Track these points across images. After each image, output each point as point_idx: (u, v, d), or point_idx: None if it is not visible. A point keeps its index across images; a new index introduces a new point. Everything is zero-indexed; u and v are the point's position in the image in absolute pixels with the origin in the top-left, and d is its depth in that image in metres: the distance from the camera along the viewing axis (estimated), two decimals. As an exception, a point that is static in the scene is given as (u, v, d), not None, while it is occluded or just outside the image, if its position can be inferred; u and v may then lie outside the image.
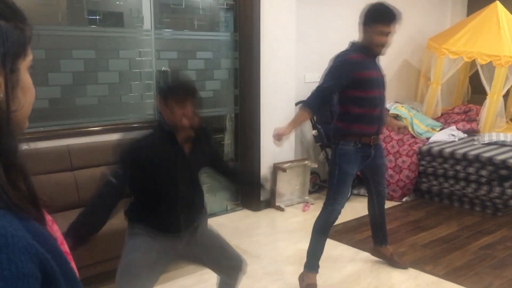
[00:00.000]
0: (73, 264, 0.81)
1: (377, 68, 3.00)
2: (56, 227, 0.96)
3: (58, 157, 3.35)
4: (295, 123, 3.02)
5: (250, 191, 2.44)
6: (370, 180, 3.32)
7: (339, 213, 3.09)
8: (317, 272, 3.15)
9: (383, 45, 2.90)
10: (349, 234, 4.04)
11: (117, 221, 2.97)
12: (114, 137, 3.72)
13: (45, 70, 3.44)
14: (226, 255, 2.34)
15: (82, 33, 3.62)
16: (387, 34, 2.87)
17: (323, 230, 3.12)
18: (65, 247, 0.89)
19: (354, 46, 3.00)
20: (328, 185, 3.14)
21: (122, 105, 3.89)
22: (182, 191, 2.12)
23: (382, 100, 3.03)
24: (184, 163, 2.10)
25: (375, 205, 3.38)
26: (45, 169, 3.28)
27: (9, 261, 0.62)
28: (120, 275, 2.09)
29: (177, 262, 2.45)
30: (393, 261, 3.45)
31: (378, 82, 2.98)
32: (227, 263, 2.34)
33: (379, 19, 2.85)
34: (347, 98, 2.98)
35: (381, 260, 3.53)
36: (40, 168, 3.26)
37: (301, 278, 3.16)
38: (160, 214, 2.13)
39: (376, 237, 3.48)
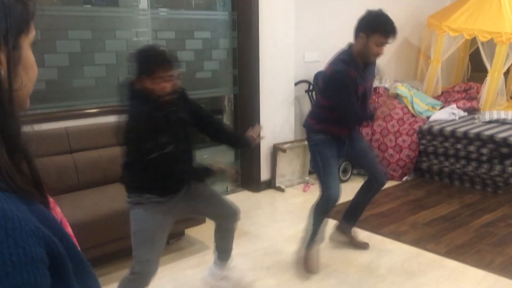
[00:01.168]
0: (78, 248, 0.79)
1: (365, 79, 2.95)
2: (58, 210, 0.93)
3: (56, 140, 3.31)
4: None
5: (242, 147, 2.58)
6: (364, 166, 3.34)
7: (337, 195, 3.06)
8: (315, 249, 3.15)
9: (376, 56, 2.88)
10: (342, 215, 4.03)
11: (117, 204, 2.97)
12: (113, 119, 3.66)
13: (41, 51, 3.38)
14: (222, 204, 2.63)
15: (77, 13, 3.55)
16: (383, 44, 2.82)
17: (323, 213, 3.12)
18: (69, 229, 0.86)
19: (348, 57, 2.90)
20: (317, 175, 3.17)
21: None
22: (182, 151, 2.27)
23: (363, 110, 3.01)
24: (175, 124, 2.25)
25: (370, 191, 3.31)
26: (43, 151, 3.23)
27: (16, 246, 0.60)
28: (137, 242, 2.32)
29: (180, 216, 2.62)
30: (354, 243, 3.43)
31: (363, 95, 2.97)
32: (223, 211, 2.63)
33: (379, 30, 2.77)
34: (325, 104, 3.02)
35: (383, 238, 3.54)
36: (39, 151, 3.22)
37: (299, 254, 3.16)
38: (165, 179, 2.28)
39: (349, 216, 3.41)
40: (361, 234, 3.61)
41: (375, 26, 2.79)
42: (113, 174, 3.43)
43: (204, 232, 3.63)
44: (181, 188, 2.41)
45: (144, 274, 2.35)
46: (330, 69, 2.94)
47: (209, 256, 3.24)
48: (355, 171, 5.11)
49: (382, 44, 2.81)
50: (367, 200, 3.34)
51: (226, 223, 2.68)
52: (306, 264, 3.12)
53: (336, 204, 3.10)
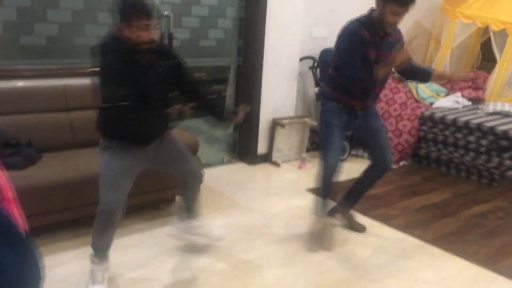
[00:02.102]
0: (15, 213, 0.77)
1: (380, 47, 2.87)
2: (0, 173, 0.91)
3: (53, 97, 3.32)
4: (391, 61, 2.82)
5: (217, 121, 2.55)
6: (371, 145, 3.23)
7: (334, 166, 3.05)
8: (324, 217, 3.19)
9: (392, 25, 2.81)
10: (340, 194, 4.03)
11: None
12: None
13: (43, 7, 3.34)
14: (188, 163, 2.71)
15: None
16: (399, 14, 2.75)
17: (322, 183, 3.11)
18: (7, 194, 0.84)
19: (366, 19, 2.87)
20: (320, 143, 3.16)
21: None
22: (152, 102, 2.31)
23: (375, 79, 2.88)
24: (147, 74, 2.28)
25: (372, 174, 3.27)
26: (40, 108, 3.26)
27: None
28: (102, 184, 2.41)
29: (148, 165, 2.63)
30: (352, 224, 3.44)
31: (377, 62, 2.87)
32: (188, 169, 2.72)
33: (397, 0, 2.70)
34: (340, 66, 2.96)
35: (372, 220, 3.57)
36: (35, 107, 3.24)
37: (313, 227, 3.21)
38: (134, 126, 2.36)
39: (349, 196, 3.40)
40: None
41: None
42: (109, 135, 3.45)
43: (195, 200, 3.67)
44: (150, 139, 2.48)
45: (106, 213, 2.42)
46: (344, 25, 2.92)
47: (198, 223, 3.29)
48: (353, 152, 5.11)
49: (398, 14, 2.73)
50: (368, 183, 3.32)
51: (189, 182, 2.78)
52: (317, 237, 3.16)
53: (333, 175, 3.08)
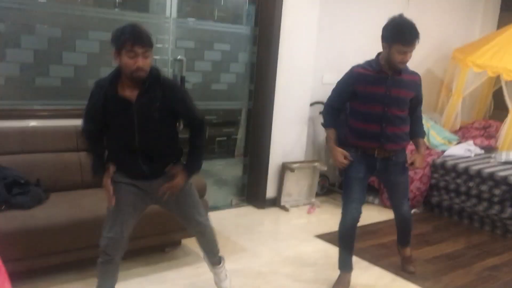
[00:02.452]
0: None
1: (388, 84, 2.91)
2: None
3: (64, 137, 3.35)
4: (328, 144, 3.19)
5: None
6: (389, 195, 3.37)
7: (353, 218, 3.05)
8: (347, 271, 3.16)
9: (402, 63, 2.87)
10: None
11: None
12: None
13: (60, 49, 3.44)
14: (193, 218, 2.60)
15: (103, 15, 3.61)
16: (406, 53, 2.81)
17: (340, 234, 3.14)
18: None
19: (372, 60, 2.99)
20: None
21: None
22: (139, 138, 2.29)
23: (384, 117, 2.93)
24: (130, 110, 2.24)
25: (395, 220, 3.40)
26: (50, 147, 3.29)
27: None
28: (108, 211, 2.43)
29: (154, 204, 2.59)
30: (402, 264, 3.51)
31: (382, 98, 2.91)
32: (192, 225, 2.65)
33: (398, 39, 2.78)
34: (350, 110, 3.07)
35: (381, 269, 3.51)
36: (46, 147, 3.27)
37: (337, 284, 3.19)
38: (123, 161, 2.37)
39: (398, 241, 3.53)
40: (360, 264, 3.55)
41: (395, 36, 2.80)
42: (117, 176, 3.45)
43: (201, 244, 3.62)
44: (145, 176, 2.39)
45: (104, 248, 2.40)
46: None
47: (202, 269, 3.22)
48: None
49: (404, 53, 2.80)
50: (398, 228, 3.44)
51: (192, 233, 2.76)
52: (334, 286, 3.15)
53: (350, 228, 3.08)
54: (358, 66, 3.01)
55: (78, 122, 3.42)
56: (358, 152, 3.02)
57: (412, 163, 3.10)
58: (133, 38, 2.11)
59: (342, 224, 3.10)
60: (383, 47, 2.89)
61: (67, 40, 3.46)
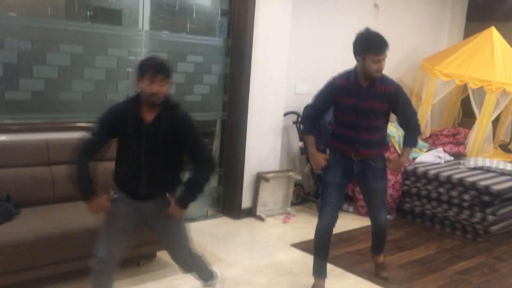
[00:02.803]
0: None
1: (361, 96, 3.02)
2: None
3: (35, 151, 3.31)
4: (308, 149, 3.29)
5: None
6: (366, 202, 3.44)
7: (327, 221, 3.13)
8: (321, 278, 3.20)
9: (379, 71, 2.98)
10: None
11: (88, 221, 2.95)
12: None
13: (30, 62, 3.40)
14: (177, 255, 2.73)
15: (71, 28, 3.59)
16: (380, 60, 2.93)
17: (315, 238, 3.21)
18: None
19: (350, 71, 3.10)
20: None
21: (107, 103, 3.83)
22: (143, 159, 2.43)
23: (358, 125, 3.06)
24: (142, 131, 2.42)
25: (372, 228, 3.47)
26: (21, 162, 3.24)
27: None
28: (102, 228, 2.54)
29: (146, 227, 2.66)
30: (376, 270, 3.57)
31: (356, 109, 3.04)
32: (176, 259, 2.76)
33: (370, 50, 2.91)
34: (333, 116, 3.27)
35: (356, 276, 3.54)
36: (17, 161, 3.22)
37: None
38: (126, 178, 2.50)
39: (372, 248, 3.59)
40: (335, 271, 3.58)
41: (366, 48, 2.93)
42: (90, 189, 3.42)
43: (176, 256, 3.60)
44: (140, 194, 2.49)
45: (95, 267, 2.50)
46: None
47: (178, 281, 3.22)
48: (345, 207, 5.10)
49: (378, 61, 2.93)
50: (373, 236, 3.51)
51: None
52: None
53: (327, 233, 3.15)
54: (339, 77, 3.13)
55: (49, 136, 3.44)
56: (336, 155, 3.16)
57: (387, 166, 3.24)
58: (154, 67, 2.36)
59: (317, 228, 3.18)
60: (357, 60, 3.00)
61: (37, 53, 3.43)
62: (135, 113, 2.44)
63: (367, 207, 3.45)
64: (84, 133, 2.50)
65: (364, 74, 2.99)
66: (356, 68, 3.06)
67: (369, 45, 2.92)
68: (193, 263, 2.81)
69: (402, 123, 3.25)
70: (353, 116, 3.06)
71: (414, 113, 3.24)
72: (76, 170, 2.43)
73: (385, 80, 3.08)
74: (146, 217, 2.56)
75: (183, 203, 2.53)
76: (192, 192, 2.53)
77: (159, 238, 2.70)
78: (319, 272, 3.21)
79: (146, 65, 2.38)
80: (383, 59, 2.94)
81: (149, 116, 2.44)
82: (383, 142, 3.22)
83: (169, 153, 2.49)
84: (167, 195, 2.53)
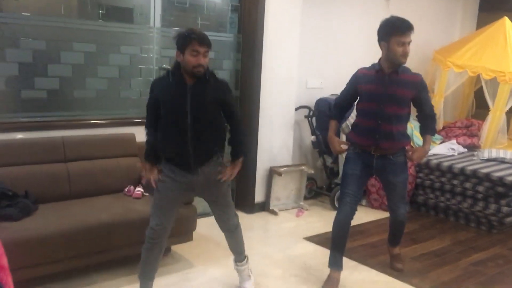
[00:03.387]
0: (9, 282, 0.76)
1: (385, 83, 3.03)
2: None
3: (52, 148, 3.37)
4: (329, 132, 3.30)
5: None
6: (386, 195, 3.44)
7: (345, 215, 3.15)
8: (337, 270, 3.22)
9: (404, 55, 2.97)
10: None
11: (104, 216, 3.01)
12: (111, 131, 3.74)
13: (45, 61, 3.47)
14: (225, 217, 2.91)
15: (87, 27, 3.65)
16: (405, 43, 2.94)
17: (333, 229, 3.23)
18: (1, 262, 0.83)
19: (374, 63, 3.13)
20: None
21: (120, 100, 3.91)
22: (190, 118, 2.55)
23: (380, 114, 3.04)
24: (187, 92, 2.54)
25: (390, 220, 3.49)
26: (38, 159, 3.30)
27: None
28: (152, 204, 2.74)
29: (196, 194, 2.94)
30: (391, 261, 3.60)
31: (378, 97, 3.04)
32: (223, 222, 2.94)
33: (395, 31, 2.93)
34: (357, 109, 3.28)
35: (369, 268, 3.56)
36: (33, 158, 3.29)
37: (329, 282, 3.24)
38: (173, 142, 2.61)
39: (389, 239, 3.62)
40: (348, 264, 3.59)
41: (390, 30, 2.96)
42: (106, 185, 3.49)
43: (191, 249, 3.65)
44: (189, 162, 2.62)
45: (148, 238, 2.71)
46: None
47: (192, 274, 3.27)
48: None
49: (403, 44, 2.93)
50: (392, 228, 3.53)
51: (221, 228, 3.00)
52: (323, 285, 3.22)
53: (345, 224, 3.17)
54: (363, 68, 3.19)
55: (64, 133, 3.50)
56: (356, 149, 3.17)
57: (411, 156, 3.22)
58: (198, 39, 2.47)
59: (335, 219, 3.19)
60: (382, 47, 3.02)
61: (51, 52, 3.49)
62: (178, 80, 2.56)
63: (387, 201, 3.46)
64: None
65: (389, 60, 3.00)
66: (380, 59, 3.08)
67: (394, 26, 2.95)
68: (238, 230, 3.01)
69: (421, 114, 3.24)
70: (375, 105, 3.05)
71: (432, 105, 3.28)
72: (149, 143, 2.70)
73: (408, 70, 3.10)
74: (196, 186, 2.72)
75: (238, 157, 2.77)
76: (242, 146, 2.83)
77: (209, 202, 2.87)
78: (335, 264, 3.22)
79: (190, 37, 2.46)
80: (408, 43, 2.95)
81: (190, 81, 2.58)
82: (405, 135, 3.20)
83: (212, 113, 2.64)
84: (216, 159, 2.71)
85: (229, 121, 2.76)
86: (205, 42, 2.49)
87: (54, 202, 3.23)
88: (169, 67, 4.02)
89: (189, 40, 2.46)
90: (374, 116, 3.07)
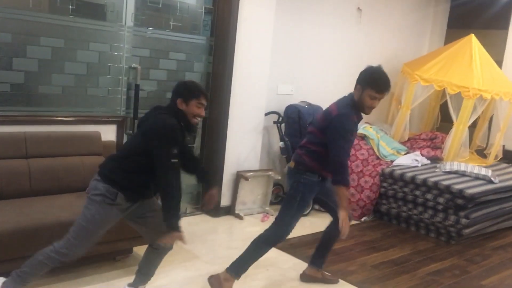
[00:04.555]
0: None
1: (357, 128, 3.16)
2: None
3: (13, 143, 3.29)
4: (343, 202, 3.01)
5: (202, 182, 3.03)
6: (329, 204, 3.32)
7: (283, 237, 3.18)
8: (237, 279, 3.17)
9: (371, 108, 3.03)
10: (303, 249, 4.04)
11: (64, 214, 2.94)
12: (77, 128, 3.68)
13: (10, 55, 3.39)
14: (155, 232, 2.76)
15: (53, 21, 3.58)
16: (376, 99, 2.98)
17: (271, 244, 3.18)
18: None
19: (352, 102, 3.04)
20: (285, 206, 3.17)
21: (87, 98, 3.85)
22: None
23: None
24: (182, 144, 2.69)
25: (336, 229, 3.27)
26: (-3, 154, 3.22)
27: None
28: (81, 233, 2.57)
29: (124, 219, 2.79)
30: (325, 279, 3.49)
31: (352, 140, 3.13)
32: (154, 238, 2.80)
33: (373, 86, 2.94)
34: (323, 143, 3.03)
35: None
36: (-8, 153, 3.20)
37: (217, 279, 3.14)
38: (147, 184, 2.64)
39: (317, 258, 3.48)
40: (309, 270, 3.63)
41: (370, 81, 2.95)
42: (68, 184, 3.43)
43: (153, 251, 3.61)
44: (148, 195, 2.70)
45: (68, 256, 2.57)
46: (336, 109, 3.02)
47: (154, 276, 3.23)
48: (316, 207, 5.16)
49: (375, 98, 2.97)
50: (333, 238, 3.39)
51: (157, 247, 2.86)
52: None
53: (280, 243, 3.23)
54: (351, 112, 3.02)
55: (27, 129, 3.42)
56: (319, 178, 3.11)
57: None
58: (205, 95, 2.70)
59: (282, 237, 3.15)
60: (357, 89, 3.02)
61: (17, 45, 3.41)
62: (182, 127, 2.68)
63: (333, 210, 3.23)
64: (168, 160, 2.54)
65: (358, 105, 3.02)
66: (351, 96, 3.06)
67: (375, 81, 2.94)
68: (166, 253, 2.94)
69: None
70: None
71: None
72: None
73: None
74: (131, 210, 2.69)
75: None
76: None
77: (144, 226, 2.82)
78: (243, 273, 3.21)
79: (198, 90, 2.66)
80: (379, 100, 2.99)
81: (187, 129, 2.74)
82: None
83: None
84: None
85: (192, 159, 2.96)
86: (207, 97, 2.74)
87: (13, 199, 3.15)
88: (137, 67, 4.01)
89: (198, 93, 2.65)
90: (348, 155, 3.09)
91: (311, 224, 4.64)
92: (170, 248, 2.88)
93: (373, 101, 2.97)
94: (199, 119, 2.71)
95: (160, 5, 4.19)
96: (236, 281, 3.14)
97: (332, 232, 3.32)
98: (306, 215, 4.83)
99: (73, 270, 3.16)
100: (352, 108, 3.03)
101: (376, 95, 2.95)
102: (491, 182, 4.81)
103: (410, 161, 5.22)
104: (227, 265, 3.53)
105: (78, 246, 2.57)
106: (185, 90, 2.67)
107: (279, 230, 3.13)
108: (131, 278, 3.18)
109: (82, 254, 2.62)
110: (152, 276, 2.98)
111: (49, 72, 3.59)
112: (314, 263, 3.48)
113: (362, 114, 3.13)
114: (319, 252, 3.46)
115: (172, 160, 2.52)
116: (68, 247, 2.54)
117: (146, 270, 2.94)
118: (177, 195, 2.56)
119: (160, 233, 2.67)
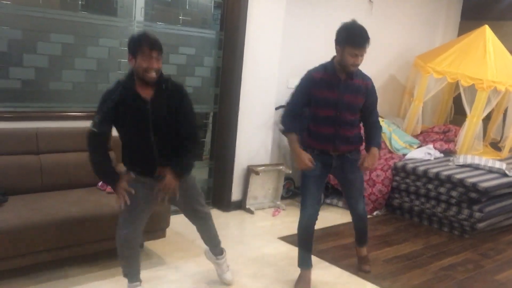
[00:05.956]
0: None
1: (340, 89, 3.01)
2: None
3: (24, 139, 3.32)
4: (291, 147, 3.14)
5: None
6: (346, 195, 3.45)
7: (310, 216, 3.16)
8: (307, 268, 3.24)
9: (355, 65, 2.97)
10: (314, 244, 4.01)
11: (75, 209, 2.96)
12: (87, 124, 3.66)
13: (21, 51, 3.40)
14: (195, 208, 2.90)
15: (63, 17, 3.58)
16: (357, 55, 2.92)
17: (298, 231, 3.24)
18: None
19: (327, 63, 3.07)
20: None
21: (97, 93, 3.83)
22: (152, 136, 2.52)
23: (337, 120, 3.04)
24: (147, 108, 2.48)
25: (353, 221, 3.52)
26: (10, 150, 3.25)
27: None
28: (121, 209, 2.61)
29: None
30: (359, 264, 3.61)
31: (334, 103, 3.02)
32: (195, 215, 2.95)
33: (349, 42, 2.90)
34: (309, 114, 3.13)
35: (342, 270, 3.58)
36: (5, 149, 3.23)
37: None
38: (138, 157, 2.58)
39: (356, 240, 3.62)
40: (321, 264, 3.62)
41: (346, 39, 2.92)
42: (79, 179, 3.45)
43: (163, 246, 3.63)
44: (154, 170, 2.61)
45: (120, 246, 2.69)
46: None
47: (163, 272, 3.25)
48: (328, 200, 5.14)
49: (356, 55, 2.92)
50: (356, 229, 3.54)
51: (193, 223, 3.02)
52: (295, 285, 3.23)
53: (310, 224, 3.18)
54: (315, 70, 3.09)
55: (38, 125, 3.44)
56: (314, 151, 3.11)
57: (362, 164, 3.19)
58: (150, 44, 2.41)
59: (300, 221, 3.20)
60: (337, 50, 3.00)
61: (28, 42, 3.43)
62: (133, 93, 2.48)
63: (346, 199, 3.48)
64: (88, 126, 2.51)
65: (341, 65, 2.98)
66: (333, 59, 3.05)
67: (350, 37, 2.90)
68: (211, 219, 3.04)
69: (367, 119, 3.23)
70: (332, 111, 3.02)
71: (377, 112, 3.31)
72: (98, 166, 2.57)
73: (362, 74, 3.11)
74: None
75: (179, 172, 2.61)
76: (187, 161, 2.68)
77: (177, 205, 2.89)
78: (305, 263, 3.24)
79: (140, 42, 2.41)
80: (361, 55, 2.93)
81: (147, 93, 2.50)
82: (360, 137, 3.24)
83: (173, 125, 2.59)
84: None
85: (183, 131, 2.63)
86: (156, 46, 2.44)
87: (24, 194, 3.18)
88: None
89: (140, 44, 2.41)
90: (331, 123, 3.04)
91: (322, 218, 4.58)
92: (208, 211, 3.01)
93: (355, 58, 2.91)
94: (153, 73, 2.45)
95: (170, 0, 4.17)
96: (308, 270, 3.26)
97: (354, 221, 3.48)
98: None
99: (79, 266, 3.19)
100: (322, 67, 3.05)
101: (356, 52, 2.90)
102: (505, 175, 4.74)
103: (422, 154, 5.16)
104: (238, 260, 3.53)
105: (119, 227, 2.67)
106: (130, 44, 2.46)
107: (300, 215, 3.22)
108: (142, 273, 3.19)
109: (128, 233, 2.67)
110: (219, 242, 3.13)
111: (60, 68, 3.61)
112: (355, 241, 3.62)
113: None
114: (356, 235, 3.58)
115: (91, 128, 2.47)
116: (116, 233, 2.69)
117: (208, 241, 3.10)
118: (92, 162, 2.56)
119: (198, 203, 2.87)
